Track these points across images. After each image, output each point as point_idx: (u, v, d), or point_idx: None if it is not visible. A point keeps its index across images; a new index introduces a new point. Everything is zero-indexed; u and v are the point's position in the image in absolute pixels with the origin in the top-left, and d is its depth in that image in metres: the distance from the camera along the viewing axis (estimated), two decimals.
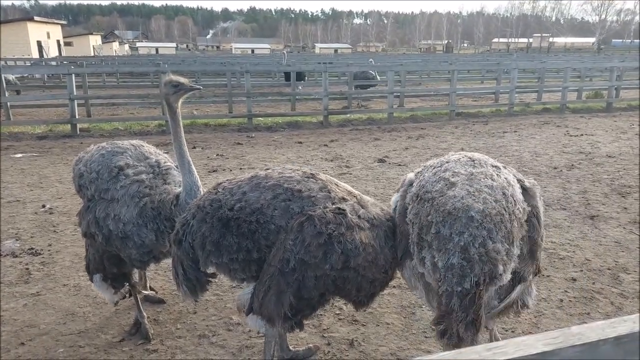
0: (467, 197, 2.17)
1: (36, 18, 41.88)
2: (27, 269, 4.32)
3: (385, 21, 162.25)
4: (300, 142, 10.22)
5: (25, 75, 24.53)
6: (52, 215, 5.72)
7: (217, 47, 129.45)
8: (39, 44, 37.62)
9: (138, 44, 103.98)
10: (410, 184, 2.49)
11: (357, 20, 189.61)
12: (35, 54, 35.99)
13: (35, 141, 10.24)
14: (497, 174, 2.32)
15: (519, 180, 2.39)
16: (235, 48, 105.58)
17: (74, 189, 3.37)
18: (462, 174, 2.30)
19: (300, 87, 17.65)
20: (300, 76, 17.57)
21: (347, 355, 3.13)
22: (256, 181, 2.48)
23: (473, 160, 2.42)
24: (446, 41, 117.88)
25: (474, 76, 26.40)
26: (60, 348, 3.19)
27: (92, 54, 48.83)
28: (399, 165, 8.21)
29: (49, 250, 4.72)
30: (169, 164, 3.21)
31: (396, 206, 2.55)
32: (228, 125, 12.27)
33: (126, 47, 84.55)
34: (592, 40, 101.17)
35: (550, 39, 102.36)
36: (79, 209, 3.27)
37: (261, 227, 2.35)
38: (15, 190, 6.67)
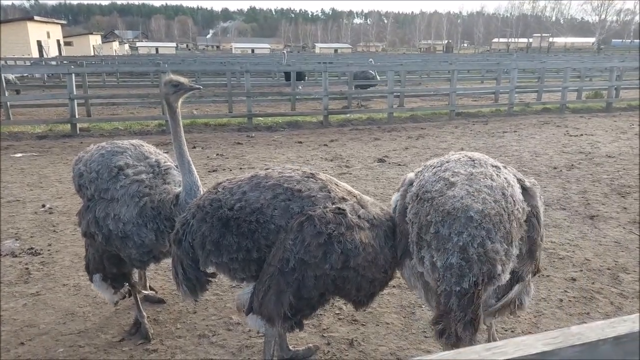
0: (467, 197, 2.17)
1: (36, 18, 41.88)
2: (27, 268, 4.32)
3: (385, 21, 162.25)
4: (300, 142, 10.22)
5: (25, 74, 24.52)
6: (51, 215, 5.72)
7: (217, 46, 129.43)
8: (39, 43, 37.61)
9: (138, 44, 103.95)
10: (411, 184, 2.49)
11: (357, 20, 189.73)
12: (35, 54, 35.99)
13: (35, 141, 10.24)
14: (497, 174, 2.32)
15: (519, 180, 2.39)
16: (235, 48, 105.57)
17: (73, 188, 3.37)
18: (462, 174, 2.31)
19: (300, 87, 17.65)
20: (300, 76, 17.57)
21: (347, 355, 3.13)
22: (256, 181, 2.49)
23: (473, 160, 2.42)
24: (446, 41, 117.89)
25: (473, 76, 26.40)
26: (60, 348, 3.19)
27: (92, 54, 48.79)
28: (399, 165, 8.21)
29: (48, 250, 4.72)
30: (168, 163, 3.21)
31: (396, 205, 2.56)
32: (228, 125, 12.26)
33: (126, 46, 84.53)
34: (592, 40, 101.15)
35: (550, 39, 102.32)
36: (78, 209, 3.27)
37: (261, 226, 2.35)
38: (15, 190, 6.67)
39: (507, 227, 2.15)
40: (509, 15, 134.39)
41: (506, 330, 3.40)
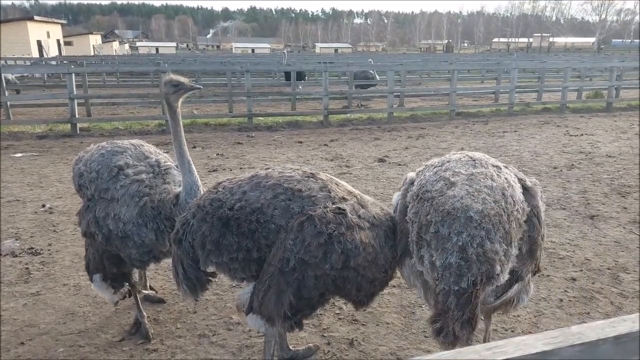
0: (467, 197, 2.18)
1: (36, 17, 41.88)
2: (27, 268, 4.32)
3: (386, 21, 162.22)
4: (301, 142, 10.22)
5: (25, 74, 24.53)
6: (52, 214, 5.72)
7: (218, 46, 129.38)
8: (39, 43, 37.61)
9: (138, 44, 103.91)
10: (412, 183, 2.50)
11: (357, 20, 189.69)
12: (35, 54, 35.99)
13: (35, 140, 10.24)
14: (498, 174, 2.32)
15: (520, 180, 2.39)
16: (235, 47, 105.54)
17: (73, 188, 3.37)
18: (462, 174, 2.31)
19: (300, 87, 17.65)
20: (300, 76, 17.57)
21: (347, 355, 3.13)
22: (256, 180, 2.48)
23: (474, 160, 2.42)
24: (446, 41, 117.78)
25: (474, 76, 26.39)
26: (60, 348, 3.19)
27: (92, 54, 48.78)
28: (399, 164, 8.21)
29: (48, 250, 4.72)
30: (169, 163, 3.21)
31: (397, 205, 2.57)
32: (228, 124, 12.26)
33: (126, 46, 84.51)
34: (592, 40, 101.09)
35: (550, 39, 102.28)
36: (78, 209, 3.27)
37: (261, 226, 2.35)
38: (15, 190, 6.67)
39: (507, 228, 2.15)
40: (509, 15, 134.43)
41: (506, 330, 3.40)
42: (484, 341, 2.82)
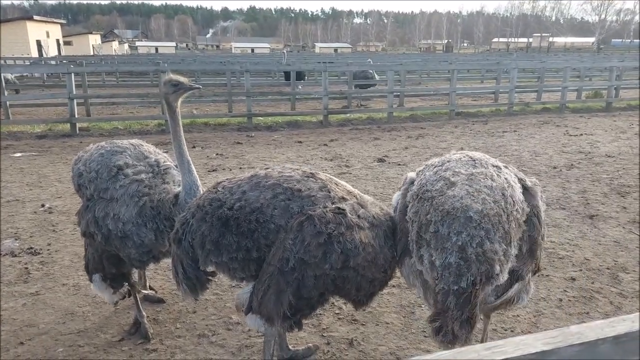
0: (466, 197, 2.18)
1: (35, 17, 41.86)
2: (27, 268, 4.32)
3: (385, 21, 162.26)
4: (300, 142, 10.22)
5: (25, 74, 24.51)
6: (51, 214, 5.72)
7: (217, 46, 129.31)
8: (39, 43, 37.60)
9: (138, 43, 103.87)
10: (412, 183, 2.50)
11: (357, 20, 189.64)
12: (34, 53, 35.99)
13: (35, 140, 10.24)
14: (498, 174, 2.33)
15: (520, 180, 2.39)
16: (235, 47, 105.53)
17: (73, 188, 3.37)
18: (462, 174, 2.31)
19: (300, 87, 17.64)
20: (300, 75, 17.57)
21: (347, 355, 3.13)
22: (256, 180, 2.48)
23: (474, 160, 2.43)
24: (446, 41, 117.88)
25: (473, 76, 26.40)
26: (60, 347, 3.19)
27: (92, 53, 48.76)
28: (399, 164, 8.21)
29: (48, 250, 4.71)
30: (168, 163, 3.21)
31: (397, 204, 2.57)
32: (228, 124, 12.26)
33: (126, 46, 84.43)
34: (591, 40, 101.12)
35: (550, 39, 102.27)
36: (78, 209, 3.27)
37: (261, 226, 2.35)
38: (15, 190, 6.67)
39: (506, 228, 2.16)
40: (508, 15, 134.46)
41: (505, 330, 3.40)
42: (482, 341, 2.82)
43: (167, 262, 3.29)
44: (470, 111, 14.70)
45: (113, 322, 3.51)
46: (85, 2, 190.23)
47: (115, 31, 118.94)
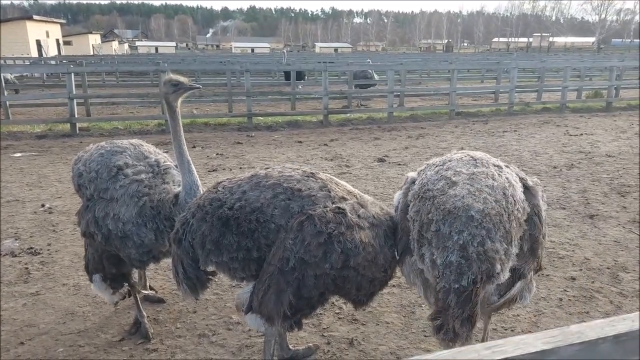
0: (468, 197, 2.19)
1: (35, 17, 41.85)
2: (27, 268, 4.32)
3: (385, 20, 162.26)
4: (300, 142, 10.22)
5: (25, 74, 24.51)
6: (51, 214, 5.72)
7: (217, 46, 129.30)
8: (38, 43, 37.58)
9: (138, 43, 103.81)
10: (413, 182, 2.51)
11: (357, 20, 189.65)
12: (34, 53, 35.97)
13: (35, 140, 10.24)
14: (499, 174, 2.33)
15: (521, 179, 2.40)
16: (235, 47, 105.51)
17: (73, 188, 3.37)
18: (463, 173, 2.32)
19: (300, 87, 17.64)
20: (300, 75, 17.56)
21: (347, 354, 3.13)
22: (256, 180, 2.48)
23: (475, 160, 2.44)
24: (446, 40, 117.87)
25: (473, 75, 26.40)
26: (60, 347, 3.19)
27: (92, 53, 48.75)
28: (399, 164, 8.21)
29: (48, 250, 4.72)
30: (168, 163, 3.21)
31: (398, 203, 2.58)
32: (228, 124, 12.26)
33: (126, 46, 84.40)
34: (592, 39, 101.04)
35: (550, 39, 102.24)
36: (78, 209, 3.27)
37: (261, 226, 2.35)
38: (15, 190, 6.67)
39: (507, 227, 2.17)
40: (509, 14, 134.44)
41: (506, 329, 3.40)
42: (482, 340, 2.82)
43: (167, 262, 3.29)
44: (470, 111, 14.70)
45: (113, 322, 3.51)
46: (85, 2, 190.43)
47: (115, 31, 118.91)
